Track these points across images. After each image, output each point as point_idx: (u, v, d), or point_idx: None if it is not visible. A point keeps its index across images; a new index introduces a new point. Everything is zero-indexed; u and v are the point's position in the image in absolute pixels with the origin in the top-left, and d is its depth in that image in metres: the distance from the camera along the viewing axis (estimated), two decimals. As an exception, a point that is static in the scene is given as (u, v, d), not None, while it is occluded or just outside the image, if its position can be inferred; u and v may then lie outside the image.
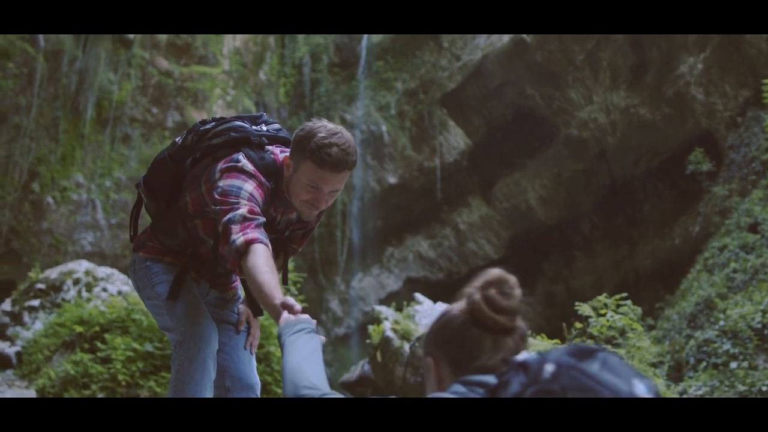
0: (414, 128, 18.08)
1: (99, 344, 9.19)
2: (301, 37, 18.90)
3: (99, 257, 15.26)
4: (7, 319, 10.53)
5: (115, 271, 11.61)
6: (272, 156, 3.28)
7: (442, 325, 1.94)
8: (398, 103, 18.15)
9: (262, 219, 3.02)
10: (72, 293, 10.62)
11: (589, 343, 7.84)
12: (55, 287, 10.81)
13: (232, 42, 18.25)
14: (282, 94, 18.83)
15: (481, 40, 17.41)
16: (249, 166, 3.15)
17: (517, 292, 1.88)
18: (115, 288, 10.85)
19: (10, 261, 14.96)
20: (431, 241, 19.34)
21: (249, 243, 2.89)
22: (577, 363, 1.58)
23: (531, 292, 19.29)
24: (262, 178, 3.16)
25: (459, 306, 1.91)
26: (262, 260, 2.86)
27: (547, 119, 17.47)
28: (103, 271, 11.34)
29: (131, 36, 16.51)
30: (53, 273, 11.12)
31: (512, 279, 1.89)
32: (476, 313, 1.86)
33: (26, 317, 10.52)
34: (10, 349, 9.96)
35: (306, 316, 2.58)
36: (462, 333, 1.88)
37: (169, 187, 3.46)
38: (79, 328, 9.48)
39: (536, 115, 17.52)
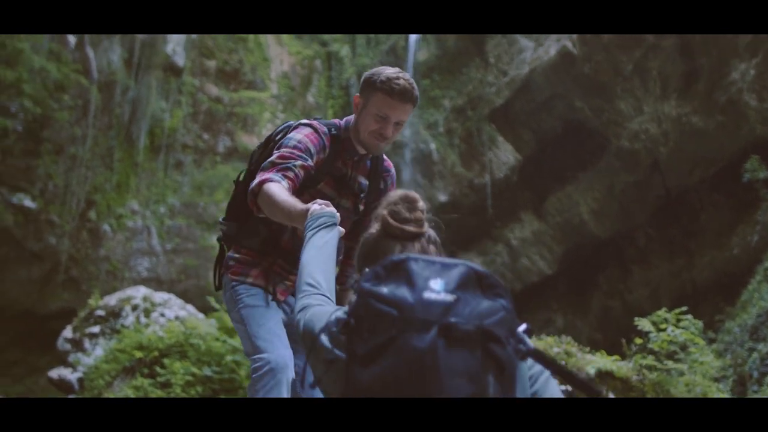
0: (463, 145, 18.03)
1: (158, 369, 9.30)
2: (347, 59, 19.01)
3: (155, 283, 15.47)
4: (68, 346, 10.70)
5: (172, 297, 11.74)
6: (333, 121, 3.64)
7: (361, 244, 2.27)
8: (446, 120, 18.12)
9: (294, 162, 3.30)
10: (131, 319, 10.77)
11: (651, 358, 7.71)
12: (114, 313, 10.96)
13: (279, 66, 18.45)
14: (330, 116, 18.96)
15: (528, 54, 17.32)
16: (303, 121, 3.55)
17: (420, 204, 2.23)
18: (172, 313, 10.97)
19: (69, 288, 15.24)
20: (484, 258, 19.22)
21: (261, 183, 3.18)
22: (372, 286, 1.82)
23: (586, 307, 19.04)
24: (318, 124, 3.52)
25: (373, 226, 2.26)
26: (274, 189, 3.12)
27: (597, 131, 17.27)
28: (160, 296, 11.48)
29: (181, 64, 16.78)
30: (112, 299, 11.28)
31: (413, 194, 2.24)
32: (385, 226, 2.20)
33: (87, 343, 10.68)
34: (72, 375, 10.12)
35: (330, 209, 2.73)
36: (376, 245, 2.20)
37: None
38: (138, 354, 9.62)
39: (586, 128, 17.32)
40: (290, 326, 3.52)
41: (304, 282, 2.32)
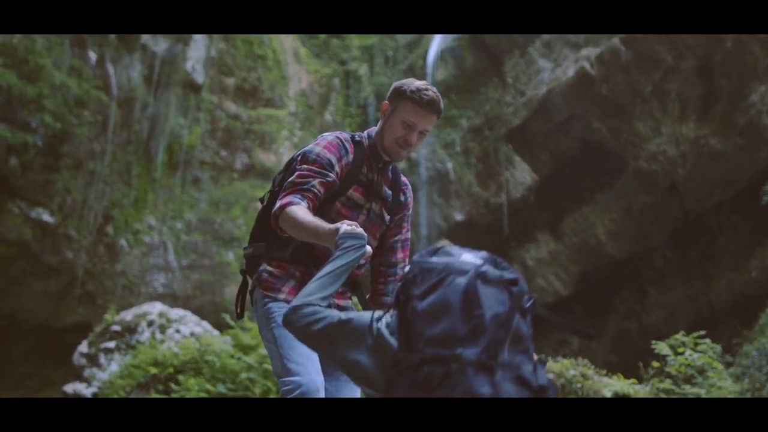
0: (480, 165, 18.02)
1: (173, 385, 9.32)
2: (365, 78, 19.08)
3: (171, 298, 15.50)
4: (84, 361, 10.75)
5: (188, 313, 11.77)
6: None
7: None
8: (463, 140, 18.12)
9: (312, 181, 3.44)
10: (146, 335, 10.80)
11: (668, 382, 7.65)
12: (130, 329, 11.01)
13: (297, 84, 18.53)
14: (348, 134, 18.97)
15: (546, 74, 17.33)
16: (324, 134, 3.70)
17: None
18: (188, 329, 11.00)
19: (85, 303, 15.30)
20: (499, 277, 19.14)
21: (282, 207, 3.34)
22: (422, 258, 2.48)
23: (602, 329, 18.91)
24: (339, 133, 3.69)
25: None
26: (296, 212, 3.29)
27: (615, 152, 17.21)
28: (176, 312, 11.52)
29: (200, 81, 16.89)
30: (128, 315, 11.33)
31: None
32: None
33: (102, 359, 10.71)
34: (86, 390, 10.16)
35: (359, 231, 3.02)
36: None
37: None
38: (153, 370, 9.64)
39: (604, 149, 17.27)
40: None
41: (304, 295, 2.73)
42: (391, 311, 2.56)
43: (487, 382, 2.24)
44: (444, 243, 2.72)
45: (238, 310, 3.77)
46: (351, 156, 3.60)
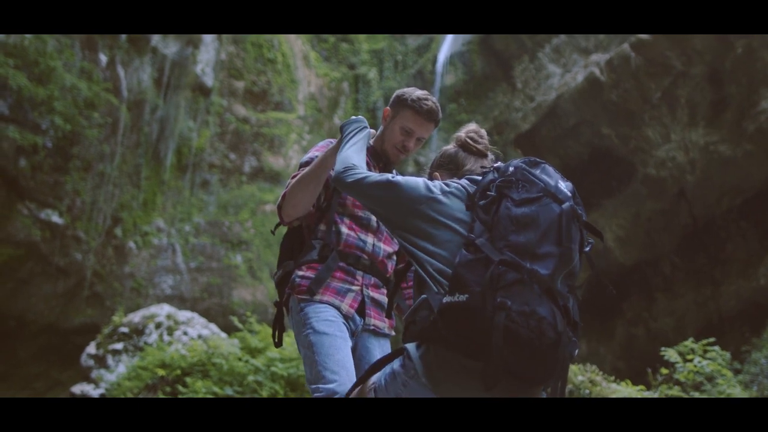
0: (488, 169, 18.00)
1: (180, 387, 9.31)
2: (375, 82, 19.09)
3: (179, 300, 15.53)
4: (92, 362, 10.76)
5: (195, 315, 11.78)
6: None
7: (441, 154, 3.27)
8: (472, 144, 18.11)
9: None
10: (154, 337, 10.81)
11: (677, 389, 7.61)
12: (138, 331, 11.02)
13: (307, 88, 18.55)
14: (356, 138, 18.97)
15: (555, 80, 17.32)
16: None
17: (483, 133, 3.27)
18: (195, 332, 11.00)
19: (93, 304, 15.33)
20: (507, 282, 19.13)
21: (281, 196, 3.63)
22: (527, 166, 2.77)
23: (610, 334, 18.86)
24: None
25: (451, 145, 3.26)
26: (291, 181, 3.59)
27: (624, 158, 17.17)
28: (183, 315, 11.52)
29: (210, 84, 16.93)
30: (136, 317, 11.34)
31: (482, 129, 3.31)
32: (464, 145, 3.21)
33: (110, 360, 10.73)
34: (94, 392, 10.17)
35: (359, 117, 3.49)
36: (455, 155, 3.20)
37: None
38: (161, 372, 9.64)
39: (613, 155, 17.24)
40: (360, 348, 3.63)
41: (345, 167, 3.02)
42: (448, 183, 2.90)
43: (545, 302, 2.50)
44: (480, 162, 3.19)
45: (276, 340, 3.77)
46: None
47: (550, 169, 2.80)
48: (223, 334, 11.43)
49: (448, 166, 3.17)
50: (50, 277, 14.81)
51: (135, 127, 15.68)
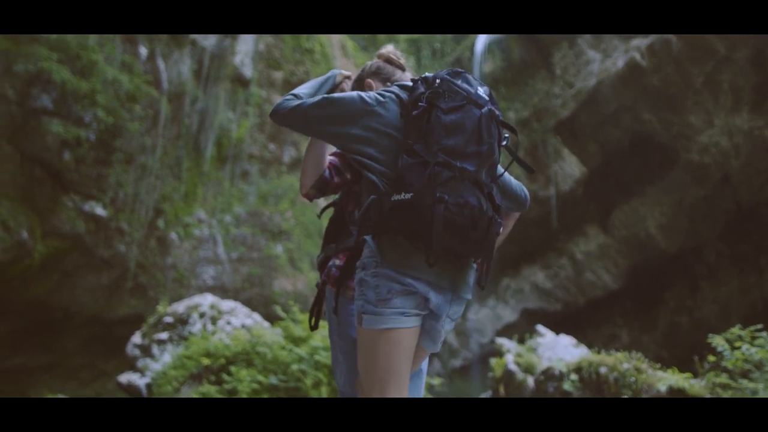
0: (528, 157, 17.89)
1: (225, 376, 9.40)
2: (413, 70, 19.03)
3: (221, 291, 15.65)
4: (137, 352, 10.88)
5: (238, 305, 11.85)
6: None
7: (371, 66, 3.74)
8: (511, 132, 18.00)
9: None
10: (198, 326, 10.91)
11: (725, 376, 7.52)
12: (182, 320, 11.12)
13: (344, 78, 18.52)
14: (394, 127, 18.92)
15: (595, 65, 17.13)
16: None
17: (399, 53, 3.78)
18: (238, 321, 11.08)
19: (137, 295, 15.51)
20: (547, 271, 19.01)
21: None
22: (450, 77, 3.19)
23: (653, 323, 18.68)
24: None
25: (375, 60, 3.80)
26: None
27: (666, 144, 16.96)
28: (227, 304, 11.60)
29: (248, 75, 17.01)
30: (180, 307, 11.44)
31: (398, 51, 3.81)
32: (387, 58, 3.74)
33: (155, 350, 10.84)
34: (140, 381, 10.29)
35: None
36: (384, 67, 3.71)
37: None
38: (205, 361, 9.73)
39: (655, 141, 17.03)
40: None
41: (291, 93, 3.33)
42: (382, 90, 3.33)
43: (474, 194, 3.00)
44: (406, 72, 3.72)
45: (312, 323, 3.78)
46: None
47: (470, 77, 3.25)
48: (266, 324, 11.49)
49: (380, 76, 3.66)
50: (95, 268, 15.00)
51: (175, 119, 15.80)
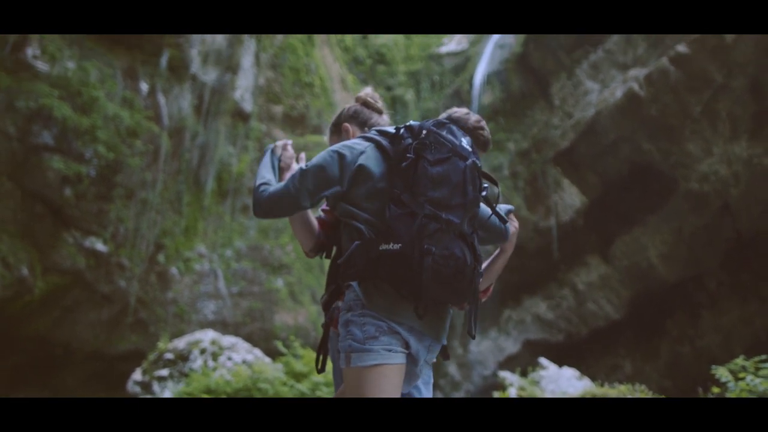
0: (528, 188, 17.93)
1: (227, 413, 9.32)
2: (412, 103, 19.13)
3: (221, 326, 15.60)
4: (138, 389, 10.82)
5: (239, 340, 11.81)
6: None
7: (347, 109, 3.74)
8: (511, 163, 18.06)
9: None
10: (199, 362, 10.85)
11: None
12: (183, 356, 11.07)
13: (344, 111, 18.61)
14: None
15: (593, 96, 17.22)
16: None
17: (377, 96, 3.82)
18: (240, 357, 11.03)
19: (138, 331, 15.46)
20: (549, 302, 18.97)
21: None
22: (436, 129, 3.25)
23: (655, 353, 18.60)
24: None
25: (352, 103, 3.79)
26: None
27: (665, 173, 16.99)
28: (228, 340, 11.56)
29: (248, 110, 17.08)
30: (181, 343, 11.40)
31: (376, 93, 3.84)
32: (365, 101, 3.73)
33: (156, 387, 10.78)
34: (141, 419, 10.20)
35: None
36: (361, 110, 3.71)
37: None
38: (206, 397, 9.66)
39: (654, 170, 17.07)
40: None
41: (258, 182, 3.45)
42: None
43: (458, 245, 3.06)
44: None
45: (319, 366, 3.75)
46: None
47: (454, 128, 3.34)
48: (267, 359, 11.44)
49: (358, 119, 3.69)
50: (95, 304, 14.96)
51: (176, 154, 15.84)
